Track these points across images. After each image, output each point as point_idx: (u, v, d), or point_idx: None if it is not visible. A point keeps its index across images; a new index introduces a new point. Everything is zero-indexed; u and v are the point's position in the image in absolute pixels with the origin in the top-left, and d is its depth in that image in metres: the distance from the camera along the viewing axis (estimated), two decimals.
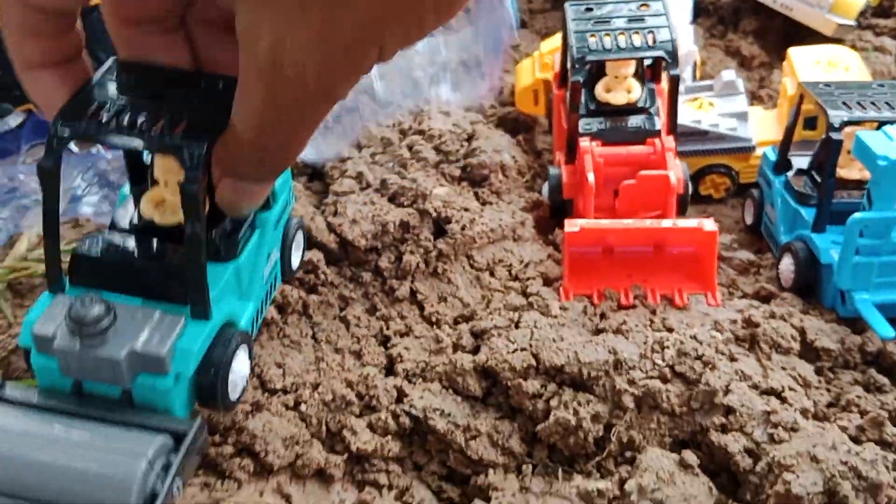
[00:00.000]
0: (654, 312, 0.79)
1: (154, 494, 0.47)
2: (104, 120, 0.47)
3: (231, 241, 0.57)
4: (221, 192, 0.49)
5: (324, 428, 0.71)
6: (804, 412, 0.70)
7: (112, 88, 0.49)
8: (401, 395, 0.74)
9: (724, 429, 0.70)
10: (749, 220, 1.00)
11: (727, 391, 0.71)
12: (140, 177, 0.59)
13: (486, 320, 0.79)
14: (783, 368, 0.75)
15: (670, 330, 0.77)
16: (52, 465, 0.46)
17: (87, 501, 0.46)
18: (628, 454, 0.71)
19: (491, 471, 0.72)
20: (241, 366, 0.56)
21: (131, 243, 0.54)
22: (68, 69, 0.49)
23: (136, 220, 0.56)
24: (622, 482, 0.68)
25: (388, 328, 0.81)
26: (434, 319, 0.81)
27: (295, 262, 0.73)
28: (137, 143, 0.47)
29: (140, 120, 0.47)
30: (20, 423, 0.49)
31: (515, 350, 0.75)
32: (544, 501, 0.67)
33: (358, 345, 0.79)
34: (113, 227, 0.56)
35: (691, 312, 0.79)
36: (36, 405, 0.50)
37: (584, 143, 0.86)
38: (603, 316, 0.79)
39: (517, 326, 0.77)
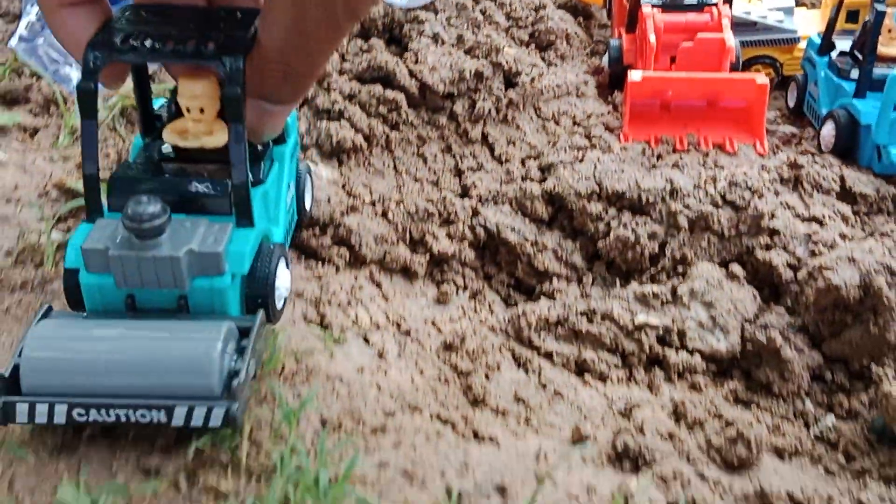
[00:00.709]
0: (706, 155, 0.87)
1: (234, 373, 0.47)
2: (137, 45, 0.48)
3: (256, 168, 0.58)
4: (248, 114, 0.49)
5: (408, 234, 0.80)
6: (842, 236, 0.78)
7: (136, 23, 0.50)
8: (475, 213, 0.82)
9: (768, 248, 0.78)
10: (791, 102, 1.07)
11: (772, 216, 0.79)
12: (151, 126, 0.59)
13: (553, 156, 0.87)
14: (823, 205, 0.82)
15: (721, 168, 0.84)
16: (132, 360, 0.46)
17: (170, 389, 0.46)
18: (680, 269, 0.79)
19: (555, 279, 0.80)
20: (283, 277, 0.56)
21: (165, 166, 0.54)
22: (93, 8, 0.50)
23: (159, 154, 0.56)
24: (674, 288, 0.76)
25: (462, 164, 0.89)
26: (504, 158, 0.89)
27: (307, 203, 0.74)
28: (174, 59, 0.48)
29: (171, 41, 0.48)
30: (89, 330, 0.48)
31: (580, 179, 0.83)
32: (603, 303, 0.75)
33: (435, 176, 0.87)
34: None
35: (740, 157, 0.87)
36: (85, 317, 0.50)
37: (647, 9, 0.94)
38: (660, 157, 0.87)
39: (581, 161, 0.85)
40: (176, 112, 0.55)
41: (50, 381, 0.46)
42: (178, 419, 0.45)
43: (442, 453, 0.56)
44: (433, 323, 0.74)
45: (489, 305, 0.79)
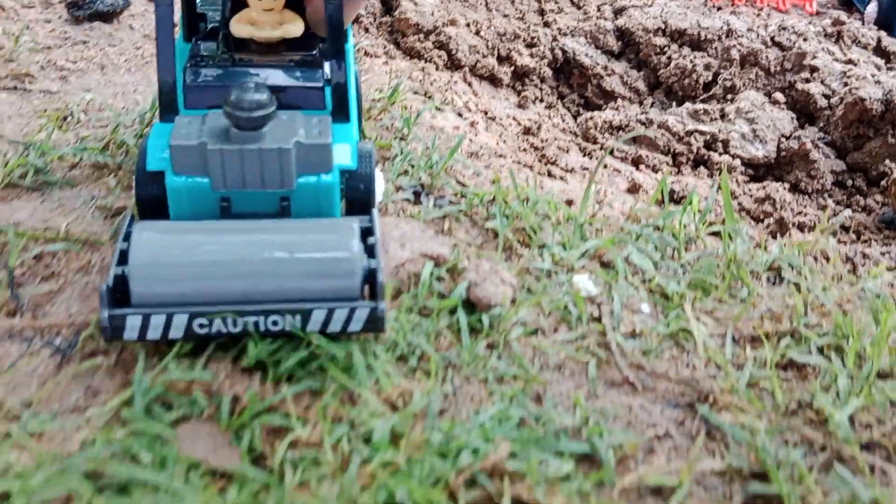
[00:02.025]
0: (761, 10, 0.99)
1: (369, 270, 0.41)
2: None
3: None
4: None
5: (496, 49, 0.93)
6: (873, 75, 0.90)
7: None
8: (555, 40, 0.96)
9: (807, 81, 0.90)
10: None
11: (814, 56, 0.91)
12: (195, 28, 0.53)
13: (625, 1, 0.99)
14: (860, 55, 0.94)
15: (772, 17, 0.97)
16: (259, 262, 0.39)
17: (304, 292, 0.40)
18: (729, 96, 0.91)
19: (619, 100, 0.93)
20: (378, 177, 0.51)
21: (238, 59, 0.47)
22: None
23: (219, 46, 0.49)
24: (723, 108, 0.88)
25: (544, 6, 1.02)
26: (581, 4, 1.02)
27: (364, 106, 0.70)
28: None
29: None
30: (202, 233, 0.41)
31: (648, 18, 0.95)
32: (660, 116, 0.88)
33: (521, 13, 1.01)
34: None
35: (791, 13, 0.99)
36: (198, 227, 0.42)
37: None
38: (719, 8, 0.99)
39: (650, 6, 0.98)
40: (232, 5, 0.48)
41: (164, 290, 0.39)
42: (315, 324, 0.40)
43: (522, 178, 0.70)
44: (514, 118, 0.87)
45: (561, 116, 0.92)
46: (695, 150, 0.86)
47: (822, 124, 0.87)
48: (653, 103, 0.94)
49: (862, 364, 0.45)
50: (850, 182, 0.84)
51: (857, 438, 0.40)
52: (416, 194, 0.58)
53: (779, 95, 0.89)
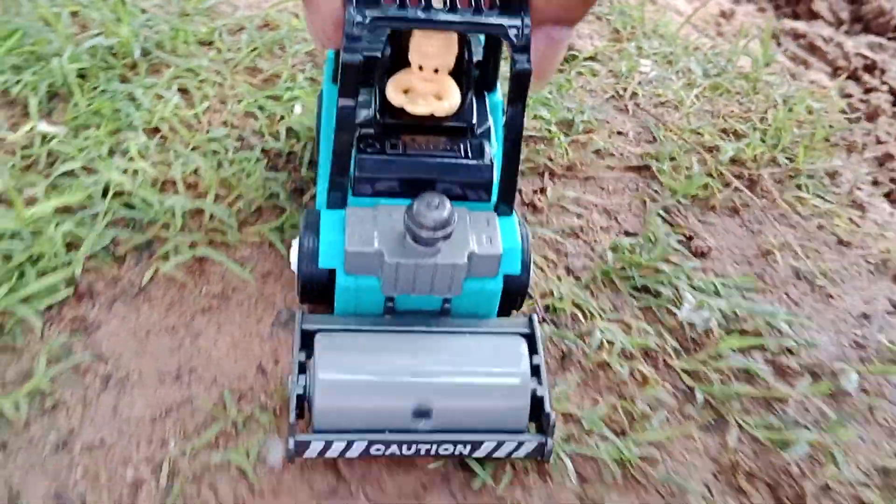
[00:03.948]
0: None
1: (538, 398, 0.42)
2: (402, 2, 0.38)
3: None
4: (533, 50, 0.39)
5: None
6: None
7: None
8: None
9: None
10: None
11: None
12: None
13: None
14: None
15: None
16: (429, 401, 0.40)
17: (473, 424, 0.41)
18: None
19: None
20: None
21: (403, 141, 0.45)
22: None
23: (374, 111, 0.46)
24: None
25: None
26: None
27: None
28: (447, 21, 0.38)
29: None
30: (378, 361, 0.41)
31: None
32: None
33: None
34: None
35: None
36: (364, 328, 0.43)
37: None
38: None
39: None
40: (393, 60, 0.45)
41: (345, 422, 0.41)
42: (483, 452, 0.41)
43: None
44: None
45: None
46: None
47: None
48: None
49: None
50: None
51: None
52: None
53: None
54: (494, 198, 0.45)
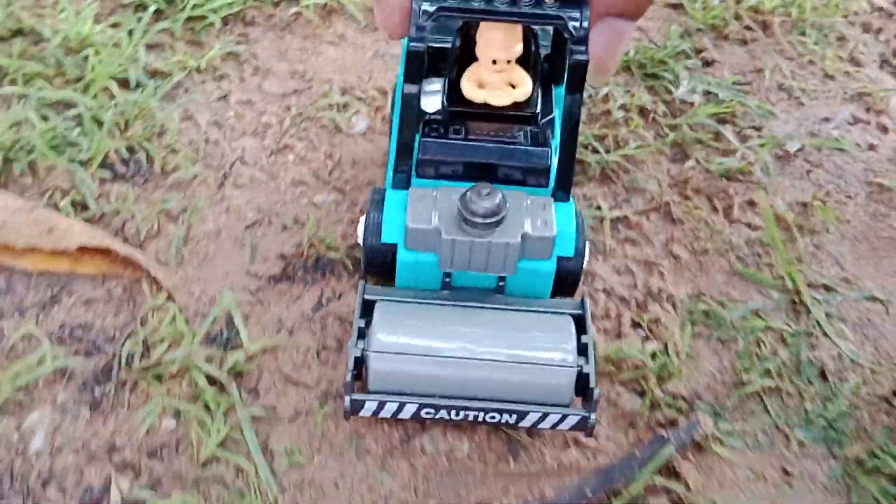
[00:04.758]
0: None
1: (584, 375, 0.44)
2: None
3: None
4: (595, 41, 0.40)
5: None
6: None
7: None
8: None
9: None
10: None
11: None
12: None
13: None
14: None
15: None
16: (480, 372, 0.43)
17: (520, 395, 0.44)
18: None
19: None
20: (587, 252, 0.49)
21: (467, 127, 0.48)
22: None
23: (446, 104, 0.48)
24: None
25: None
26: None
27: None
28: (508, 12, 0.41)
29: None
30: (435, 333, 0.44)
31: None
32: None
33: None
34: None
35: None
36: (421, 301, 0.46)
37: None
38: None
39: None
40: (460, 53, 0.48)
41: (398, 385, 0.44)
42: (528, 422, 0.44)
43: None
44: None
45: None
46: None
47: None
48: None
49: None
50: None
51: None
52: None
53: None
54: (552, 184, 0.47)
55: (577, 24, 0.40)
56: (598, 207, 0.62)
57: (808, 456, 0.50)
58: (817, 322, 0.55)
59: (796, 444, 0.50)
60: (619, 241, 0.60)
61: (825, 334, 0.55)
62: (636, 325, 0.55)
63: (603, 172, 0.64)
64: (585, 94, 0.54)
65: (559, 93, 0.52)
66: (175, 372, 0.50)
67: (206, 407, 0.49)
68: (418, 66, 0.42)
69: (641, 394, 0.52)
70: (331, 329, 0.54)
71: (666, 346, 0.54)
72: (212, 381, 0.50)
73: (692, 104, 0.70)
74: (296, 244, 0.58)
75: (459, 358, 0.43)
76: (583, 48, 0.40)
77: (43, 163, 0.60)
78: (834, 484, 0.48)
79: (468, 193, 0.43)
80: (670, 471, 0.48)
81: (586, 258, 0.47)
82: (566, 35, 0.40)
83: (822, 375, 0.53)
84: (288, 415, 0.50)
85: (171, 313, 0.53)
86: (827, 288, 0.58)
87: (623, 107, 0.69)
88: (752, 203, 0.63)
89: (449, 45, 0.50)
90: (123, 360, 0.51)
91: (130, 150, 0.62)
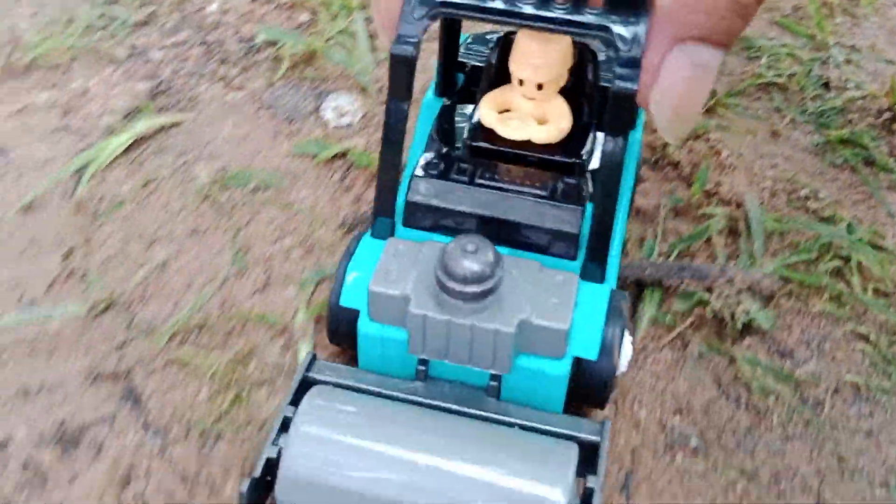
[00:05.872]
0: None
1: None
2: None
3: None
4: (670, 75, 0.29)
5: None
6: None
7: None
8: None
9: None
10: None
11: None
12: (451, 82, 0.44)
13: None
14: None
15: None
16: (452, 485, 0.31)
17: None
18: None
19: None
20: (626, 350, 0.37)
21: (478, 167, 0.38)
22: None
23: (465, 133, 0.39)
24: None
25: None
26: None
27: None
28: (530, 16, 0.32)
29: None
30: (366, 446, 0.32)
31: None
32: None
33: None
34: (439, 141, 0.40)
35: None
36: (378, 391, 0.35)
37: None
38: None
39: None
40: (496, 72, 0.40)
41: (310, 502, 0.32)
42: None
43: None
44: None
45: None
46: None
47: None
48: None
49: None
50: None
51: None
52: None
53: None
54: (581, 256, 0.36)
55: (628, 38, 0.30)
56: None
57: (797, 128, 0.59)
58: (835, 60, 0.64)
59: (789, 121, 0.59)
60: None
61: (837, 66, 0.64)
62: None
63: None
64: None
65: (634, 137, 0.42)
66: None
67: None
68: (405, 77, 0.34)
69: None
70: None
71: None
72: None
73: None
74: None
75: (397, 482, 0.31)
76: (630, 72, 0.30)
77: None
78: (814, 147, 0.58)
79: (449, 247, 0.33)
80: None
81: (623, 364, 0.36)
82: (611, 53, 0.31)
83: (826, 86, 0.62)
84: None
85: None
86: (854, 48, 0.67)
87: None
88: None
89: (480, 63, 0.41)
90: None
91: None
